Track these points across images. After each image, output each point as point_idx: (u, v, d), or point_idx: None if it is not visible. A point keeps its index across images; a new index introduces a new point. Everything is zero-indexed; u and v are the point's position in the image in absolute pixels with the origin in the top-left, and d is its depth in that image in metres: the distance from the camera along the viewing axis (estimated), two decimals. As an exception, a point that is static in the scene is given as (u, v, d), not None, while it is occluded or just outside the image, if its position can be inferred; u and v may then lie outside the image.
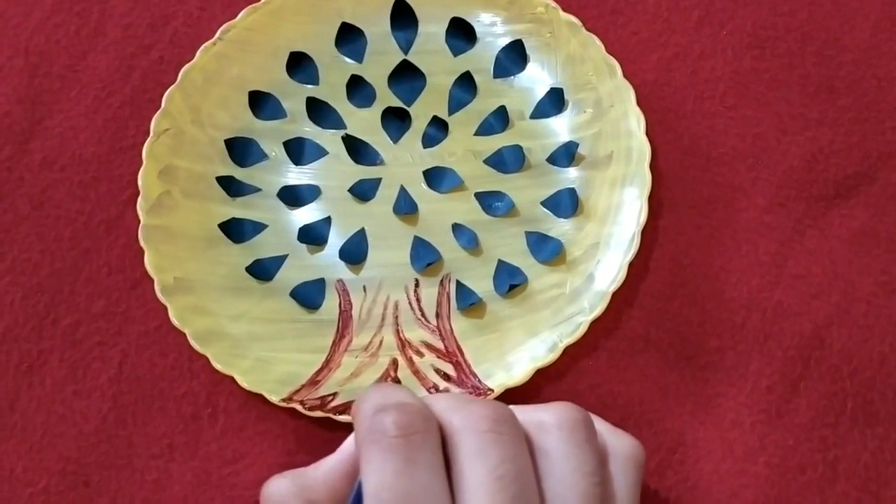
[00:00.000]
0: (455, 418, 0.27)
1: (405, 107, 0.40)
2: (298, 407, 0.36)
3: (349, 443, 0.29)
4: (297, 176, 0.40)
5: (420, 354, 0.37)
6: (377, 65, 0.41)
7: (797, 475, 0.36)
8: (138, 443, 0.37)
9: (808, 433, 0.36)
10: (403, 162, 0.40)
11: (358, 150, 0.40)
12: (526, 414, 0.29)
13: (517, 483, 0.26)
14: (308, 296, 0.38)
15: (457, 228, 0.39)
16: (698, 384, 0.37)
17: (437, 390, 0.36)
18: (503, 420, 0.27)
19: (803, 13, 0.42)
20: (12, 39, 0.43)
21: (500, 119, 0.40)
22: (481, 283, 0.38)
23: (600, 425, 0.30)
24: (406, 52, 0.41)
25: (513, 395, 0.36)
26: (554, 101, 0.40)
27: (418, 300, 0.38)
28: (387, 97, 0.41)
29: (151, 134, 0.39)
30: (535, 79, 0.40)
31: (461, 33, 0.41)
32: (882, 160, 0.40)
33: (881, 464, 0.36)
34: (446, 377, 0.37)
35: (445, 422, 0.27)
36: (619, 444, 0.29)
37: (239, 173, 0.40)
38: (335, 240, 0.39)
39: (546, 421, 0.28)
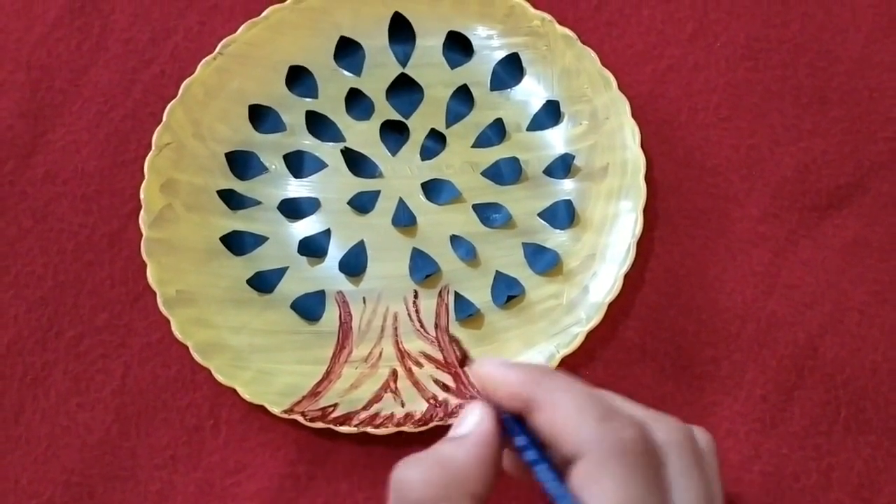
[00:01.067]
0: (662, 435, 0.26)
1: (403, 119, 0.41)
2: (300, 418, 0.36)
3: (480, 422, 0.27)
4: (296, 189, 0.40)
5: (419, 365, 0.38)
6: (375, 78, 0.41)
7: (791, 483, 0.36)
8: (142, 454, 0.37)
9: (801, 441, 0.37)
10: (402, 174, 0.41)
11: (357, 162, 0.40)
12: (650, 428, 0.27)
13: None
14: (308, 308, 0.39)
15: (455, 240, 0.39)
16: (694, 393, 0.38)
17: (436, 401, 0.37)
18: (692, 437, 0.27)
19: (796, 25, 0.42)
20: (14, 54, 0.43)
21: (497, 131, 0.41)
22: (479, 294, 0.39)
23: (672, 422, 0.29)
24: (404, 65, 0.42)
25: (511, 405, 0.36)
26: (550, 114, 0.41)
27: (417, 311, 0.39)
28: (385, 110, 0.41)
29: (153, 147, 0.39)
30: (532, 91, 0.41)
31: (458, 46, 0.41)
32: (874, 170, 0.40)
33: (874, 471, 0.37)
34: (445, 388, 0.37)
35: (652, 436, 0.26)
36: (702, 441, 0.29)
37: (239, 186, 0.40)
38: (335, 252, 0.39)
39: (668, 438, 0.27)
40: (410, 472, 0.26)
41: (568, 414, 0.26)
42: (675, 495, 0.25)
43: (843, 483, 0.36)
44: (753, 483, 0.36)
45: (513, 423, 0.27)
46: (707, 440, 0.28)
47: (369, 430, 0.36)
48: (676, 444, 0.26)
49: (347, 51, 0.42)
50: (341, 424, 0.36)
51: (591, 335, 0.37)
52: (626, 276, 0.37)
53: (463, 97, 0.41)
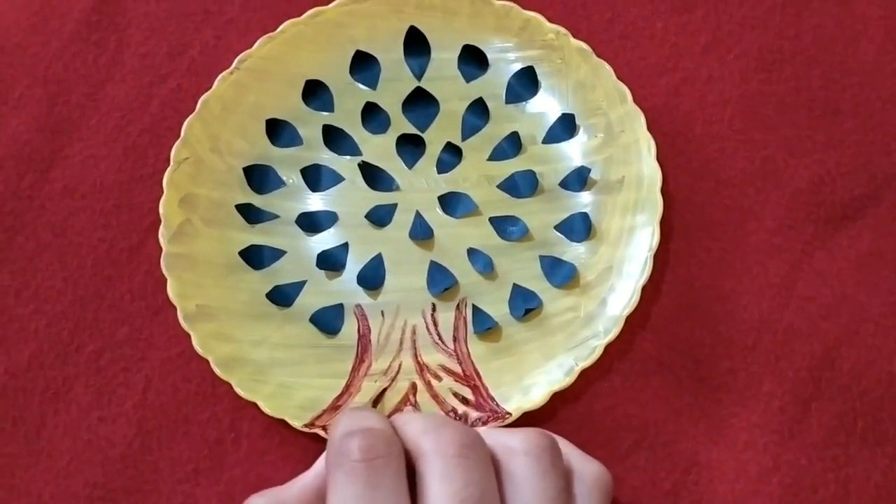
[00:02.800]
0: (424, 442, 0.28)
1: (419, 133, 0.41)
2: (321, 432, 0.36)
3: (321, 462, 0.31)
4: (314, 202, 0.41)
5: (438, 378, 0.38)
6: (391, 91, 0.42)
7: (810, 494, 0.37)
8: (164, 468, 0.38)
9: (820, 453, 0.37)
10: (418, 187, 0.41)
11: (374, 176, 0.41)
12: (494, 438, 0.30)
13: None
14: (327, 321, 0.39)
15: (472, 253, 0.40)
16: (711, 405, 0.38)
17: (457, 414, 0.37)
18: (470, 445, 0.28)
19: (808, 37, 0.42)
20: (31, 69, 0.43)
21: (512, 144, 0.41)
22: (497, 307, 0.39)
23: (570, 450, 0.31)
24: (419, 78, 0.42)
25: (529, 418, 0.37)
26: (565, 127, 0.41)
27: (435, 324, 0.39)
28: (401, 123, 0.41)
29: (172, 163, 0.39)
30: (547, 104, 0.41)
31: (473, 60, 0.42)
32: (888, 181, 0.40)
33: (891, 482, 0.37)
34: (465, 401, 0.38)
35: (415, 445, 0.29)
36: (586, 469, 0.30)
37: (257, 200, 0.40)
38: (353, 265, 0.40)
39: (513, 446, 0.29)
40: (250, 503, 0.31)
41: (330, 440, 0.29)
42: (423, 499, 0.27)
43: (861, 494, 0.37)
44: (773, 495, 0.37)
45: None
46: (537, 444, 0.29)
47: (390, 443, 0.36)
48: (433, 451, 0.28)
49: (363, 65, 0.42)
50: (362, 438, 0.36)
51: (608, 347, 0.37)
52: (643, 289, 0.38)
53: (478, 110, 0.41)
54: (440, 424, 0.29)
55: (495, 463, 0.29)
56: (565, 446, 0.31)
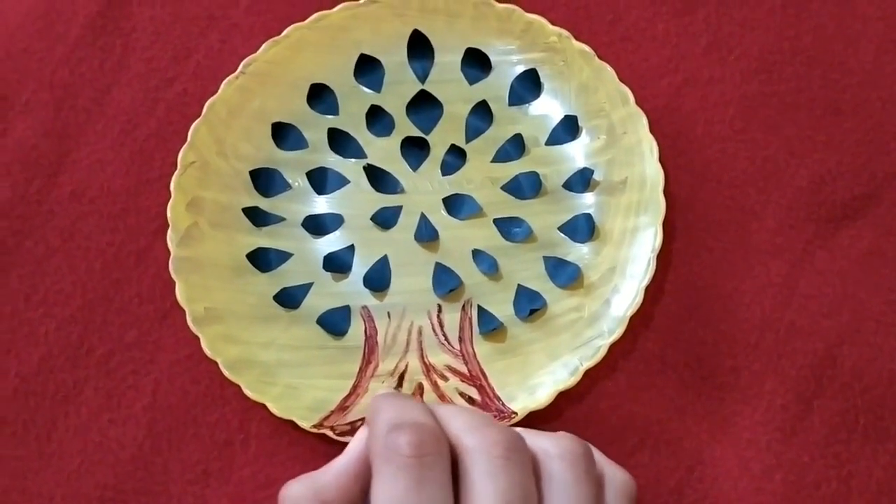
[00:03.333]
0: (469, 440, 0.28)
1: (424, 135, 0.42)
2: (329, 433, 0.37)
3: (356, 445, 0.30)
4: (320, 205, 0.41)
5: (444, 378, 0.39)
6: (395, 94, 0.42)
7: (812, 491, 0.37)
8: (174, 469, 0.38)
9: (822, 450, 0.38)
10: (423, 190, 0.41)
11: (379, 178, 0.41)
12: (531, 440, 0.30)
13: None
14: (334, 323, 0.39)
15: (477, 254, 0.40)
16: (715, 403, 0.38)
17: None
18: (515, 447, 0.29)
19: (808, 38, 0.43)
20: (37, 74, 0.44)
21: (516, 146, 0.41)
22: (502, 307, 0.39)
23: (598, 456, 0.32)
24: (423, 81, 0.42)
25: (535, 418, 0.37)
26: (568, 128, 0.41)
27: (441, 325, 0.39)
28: (405, 126, 0.42)
29: (179, 167, 0.40)
30: (550, 106, 0.42)
31: (476, 62, 0.42)
32: (888, 180, 0.41)
33: (893, 478, 0.37)
34: (471, 401, 0.38)
35: (459, 441, 0.29)
36: (614, 475, 0.31)
37: (264, 203, 0.41)
38: (359, 267, 0.40)
39: (550, 450, 0.29)
40: (290, 489, 0.30)
41: (374, 430, 0.29)
42: (467, 496, 0.27)
43: (862, 490, 0.37)
44: (776, 492, 0.37)
45: None
46: (573, 451, 0.29)
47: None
48: (479, 449, 0.28)
49: (367, 68, 0.42)
50: (370, 438, 0.37)
51: (612, 347, 0.38)
52: (646, 289, 0.38)
53: (482, 113, 0.42)
54: (485, 423, 0.29)
55: (534, 466, 0.29)
56: (595, 453, 0.31)
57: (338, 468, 0.30)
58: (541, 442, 0.30)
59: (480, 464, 0.28)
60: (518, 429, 0.30)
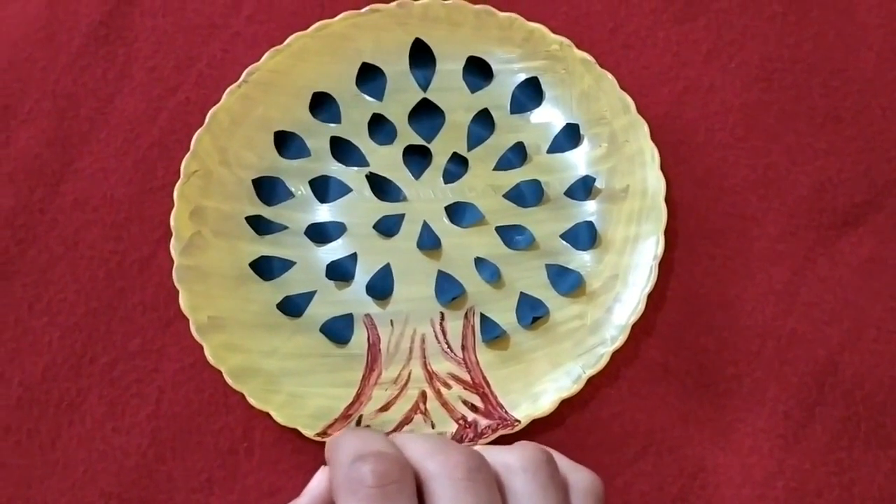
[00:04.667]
0: (431, 465, 0.28)
1: (426, 143, 0.42)
2: (333, 441, 0.37)
3: (316, 484, 0.30)
4: (322, 213, 0.41)
5: (448, 386, 0.39)
6: (397, 103, 0.42)
7: (814, 498, 0.37)
8: (178, 477, 0.38)
9: (824, 457, 0.38)
10: (425, 198, 0.41)
11: (381, 186, 0.41)
12: (492, 456, 0.30)
13: None
14: (337, 331, 0.39)
15: (479, 262, 0.40)
16: (717, 411, 0.39)
17: (466, 422, 0.38)
18: (477, 467, 0.29)
19: (808, 45, 0.43)
20: (40, 83, 0.44)
21: (518, 154, 0.41)
22: (505, 315, 0.40)
23: (561, 461, 0.32)
24: (425, 89, 0.42)
25: (538, 425, 0.37)
26: (570, 136, 0.41)
27: (444, 333, 0.40)
28: (407, 134, 0.42)
29: (182, 176, 0.40)
30: (551, 114, 0.42)
31: (478, 71, 0.42)
32: (888, 188, 0.41)
33: (894, 485, 0.37)
34: (474, 408, 0.38)
35: (421, 467, 0.28)
36: (579, 478, 0.31)
37: (267, 212, 0.41)
38: (362, 275, 0.40)
39: (512, 463, 0.30)
40: None
41: (335, 463, 0.28)
42: None
43: (864, 497, 0.37)
44: (778, 499, 0.37)
45: None
46: (535, 460, 0.29)
47: (401, 451, 0.36)
48: (441, 474, 0.28)
49: (369, 76, 0.42)
50: (373, 446, 0.37)
51: (615, 355, 0.38)
52: (648, 297, 0.38)
53: (484, 121, 0.42)
54: (444, 447, 0.29)
55: (497, 482, 0.29)
56: (556, 457, 0.31)
57: None
58: (501, 457, 0.30)
59: (444, 488, 0.28)
60: (477, 447, 0.30)
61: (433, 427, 0.38)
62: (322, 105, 0.42)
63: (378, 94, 0.42)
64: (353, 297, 0.40)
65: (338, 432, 0.31)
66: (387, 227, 0.41)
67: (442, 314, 0.40)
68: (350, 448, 0.28)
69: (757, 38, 0.43)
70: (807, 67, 0.43)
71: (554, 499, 0.29)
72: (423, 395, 0.38)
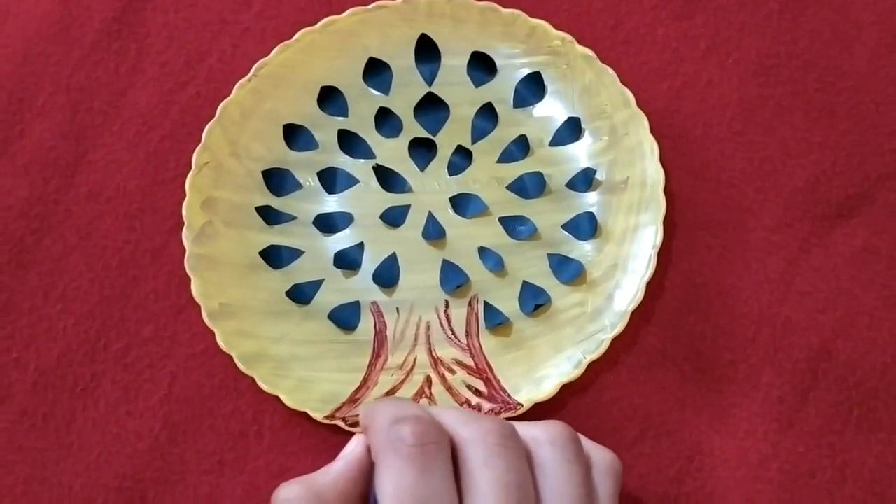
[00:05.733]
0: (464, 431, 0.30)
1: (431, 136, 0.43)
2: (341, 423, 0.38)
3: (352, 450, 0.32)
4: (330, 204, 0.42)
5: (452, 371, 0.40)
6: (403, 97, 0.43)
7: (808, 480, 0.38)
8: (190, 459, 0.39)
9: (817, 440, 0.39)
10: (431, 189, 0.42)
11: (387, 178, 0.42)
12: (521, 429, 0.31)
13: (520, 490, 0.29)
14: (345, 318, 0.41)
15: (483, 252, 0.41)
16: (713, 396, 0.40)
17: (470, 405, 0.39)
18: (508, 435, 0.30)
19: (804, 41, 0.44)
20: (54, 77, 0.45)
21: (520, 147, 0.43)
22: (507, 303, 0.41)
23: (584, 441, 0.33)
24: (430, 84, 0.43)
25: (540, 409, 0.38)
26: (571, 130, 0.42)
27: (448, 320, 0.41)
28: (413, 127, 0.43)
29: (193, 167, 0.41)
30: (553, 108, 0.43)
31: (482, 66, 0.43)
32: (881, 181, 0.42)
33: (885, 467, 0.39)
34: (478, 393, 0.39)
35: (455, 434, 0.30)
36: (600, 457, 0.32)
37: (276, 202, 0.42)
38: (368, 264, 0.41)
39: (539, 437, 0.31)
40: (283, 490, 0.31)
41: (374, 427, 0.30)
42: (468, 483, 0.29)
43: (856, 478, 0.38)
44: (772, 480, 0.38)
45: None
46: (562, 436, 0.31)
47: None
48: (475, 439, 0.29)
49: (376, 71, 0.43)
50: (380, 429, 0.38)
51: (615, 341, 0.39)
52: (648, 285, 0.39)
53: (487, 114, 0.43)
54: (477, 416, 0.31)
55: (526, 454, 0.30)
56: (581, 439, 0.32)
57: (336, 471, 0.31)
58: (531, 431, 0.31)
59: (478, 452, 0.29)
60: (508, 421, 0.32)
61: (438, 411, 0.39)
62: (330, 99, 0.43)
63: (384, 89, 0.43)
64: (360, 286, 0.41)
65: (372, 401, 0.32)
66: (393, 217, 0.42)
67: (446, 302, 0.41)
68: (388, 412, 0.30)
69: (754, 35, 0.44)
70: (803, 63, 0.44)
71: (579, 473, 0.30)
72: (429, 380, 0.40)
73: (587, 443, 0.33)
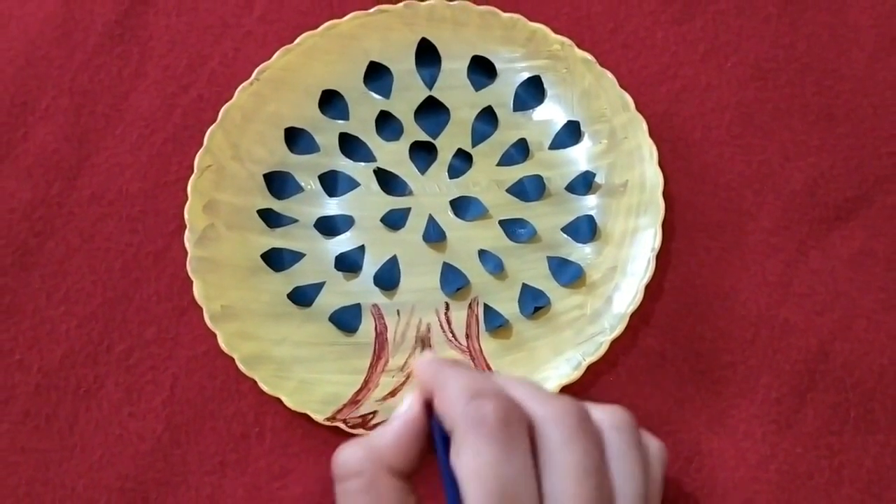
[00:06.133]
0: (541, 409, 0.29)
1: (431, 140, 0.43)
2: (341, 425, 0.38)
3: (407, 409, 0.31)
4: (331, 207, 0.43)
5: (452, 373, 0.40)
6: (404, 100, 0.44)
7: (806, 480, 0.39)
8: (192, 460, 0.40)
9: (815, 441, 0.39)
10: (431, 192, 0.43)
11: (388, 181, 0.43)
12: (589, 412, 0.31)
13: (598, 475, 0.29)
14: (346, 320, 0.41)
15: (483, 254, 0.42)
16: (712, 397, 0.40)
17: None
18: (585, 417, 0.30)
19: (802, 45, 0.44)
20: (57, 80, 0.45)
21: (520, 150, 0.43)
22: (507, 305, 0.41)
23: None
24: (430, 87, 0.44)
25: (540, 411, 0.39)
26: (571, 133, 0.43)
27: (449, 323, 0.41)
28: (414, 131, 0.43)
29: (195, 170, 0.41)
30: (553, 112, 0.43)
31: (482, 69, 0.44)
32: (878, 183, 0.42)
33: (882, 468, 0.39)
34: (478, 395, 0.39)
35: (531, 411, 0.30)
36: (651, 443, 0.33)
37: (277, 205, 0.42)
38: (369, 267, 0.42)
39: (606, 421, 0.31)
40: (343, 452, 0.30)
41: (449, 395, 0.29)
42: (547, 463, 0.28)
43: (853, 479, 0.39)
44: (770, 481, 0.39)
45: (430, 410, 0.30)
46: (626, 421, 0.31)
47: (407, 435, 0.38)
48: (554, 419, 0.29)
49: (377, 75, 0.44)
50: (381, 430, 0.38)
51: (614, 343, 0.39)
52: (646, 287, 0.39)
53: (487, 118, 0.43)
54: (549, 394, 0.31)
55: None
56: None
57: (395, 431, 0.30)
58: (597, 413, 0.31)
59: (557, 433, 0.29)
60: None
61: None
62: (331, 102, 0.43)
63: (385, 92, 0.44)
64: (361, 288, 0.41)
65: (433, 362, 0.31)
66: (393, 220, 0.42)
67: (447, 304, 0.41)
68: (464, 383, 0.29)
69: (752, 39, 0.45)
70: (800, 67, 0.44)
71: (640, 459, 0.31)
72: (429, 381, 0.40)
73: (641, 431, 0.33)
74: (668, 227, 0.41)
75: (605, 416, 0.31)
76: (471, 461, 0.28)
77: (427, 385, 0.30)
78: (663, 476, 0.32)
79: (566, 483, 0.28)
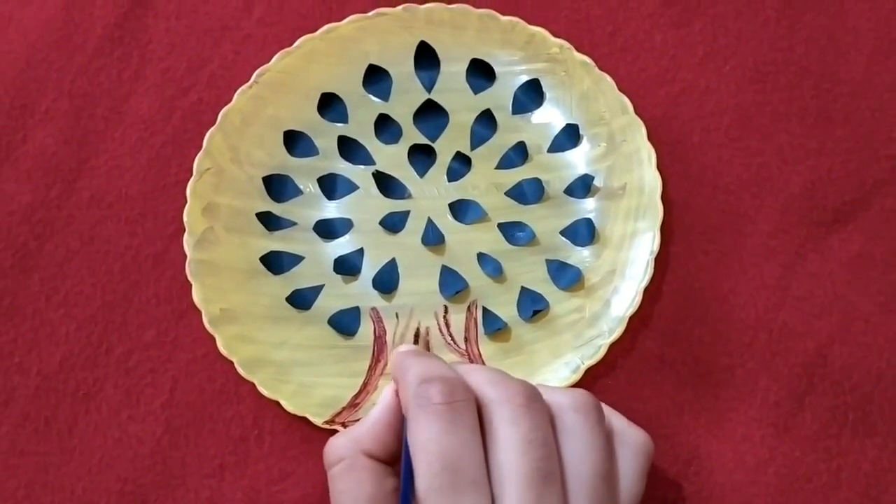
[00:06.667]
0: (491, 391, 0.31)
1: (430, 143, 0.43)
2: (340, 428, 0.38)
3: (386, 398, 0.34)
4: (330, 210, 0.43)
5: (451, 376, 0.40)
6: (402, 103, 0.44)
7: (804, 484, 0.39)
8: (191, 463, 0.40)
9: (813, 444, 0.39)
10: (430, 195, 0.43)
11: (387, 184, 0.43)
12: (547, 394, 0.33)
13: (543, 448, 0.30)
14: (344, 323, 0.41)
15: (482, 257, 0.42)
16: (711, 400, 0.40)
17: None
18: (534, 397, 0.32)
19: (801, 48, 0.44)
20: (56, 83, 0.45)
21: (519, 153, 0.43)
22: (506, 308, 0.41)
23: (614, 416, 0.34)
24: (429, 90, 0.44)
25: (539, 414, 0.39)
26: (569, 136, 0.43)
27: (447, 326, 0.41)
28: (412, 134, 0.43)
29: (194, 173, 0.41)
30: (552, 115, 0.43)
31: (481, 72, 0.44)
32: (877, 187, 0.42)
33: (880, 471, 0.39)
34: (476, 398, 0.39)
35: (481, 393, 0.32)
36: (632, 434, 0.34)
37: (276, 208, 0.42)
38: (368, 270, 0.42)
39: (563, 402, 0.33)
40: (331, 442, 0.34)
41: (405, 383, 0.32)
42: (492, 437, 0.30)
43: (851, 483, 0.39)
44: (769, 484, 0.39)
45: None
46: (585, 403, 0.33)
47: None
48: (502, 399, 0.31)
49: (376, 78, 0.44)
50: (380, 434, 0.38)
51: (612, 346, 0.39)
52: (645, 291, 0.39)
53: (486, 121, 0.43)
54: (503, 376, 0.32)
55: (550, 417, 0.31)
56: (609, 412, 0.34)
57: (372, 420, 0.33)
58: (556, 396, 0.32)
59: (503, 412, 0.31)
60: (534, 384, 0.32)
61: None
62: (330, 105, 0.43)
63: (384, 95, 0.44)
64: (360, 291, 0.41)
65: (401, 353, 0.34)
66: (392, 223, 0.42)
67: (445, 307, 0.41)
68: (417, 370, 0.32)
69: (751, 42, 0.45)
70: (799, 70, 0.44)
71: (601, 441, 0.32)
72: (428, 384, 0.40)
73: (622, 421, 0.34)
74: (665, 230, 0.41)
75: (565, 398, 0.32)
76: (418, 437, 0.30)
77: (393, 375, 0.33)
78: (644, 468, 0.33)
79: (509, 454, 0.30)
